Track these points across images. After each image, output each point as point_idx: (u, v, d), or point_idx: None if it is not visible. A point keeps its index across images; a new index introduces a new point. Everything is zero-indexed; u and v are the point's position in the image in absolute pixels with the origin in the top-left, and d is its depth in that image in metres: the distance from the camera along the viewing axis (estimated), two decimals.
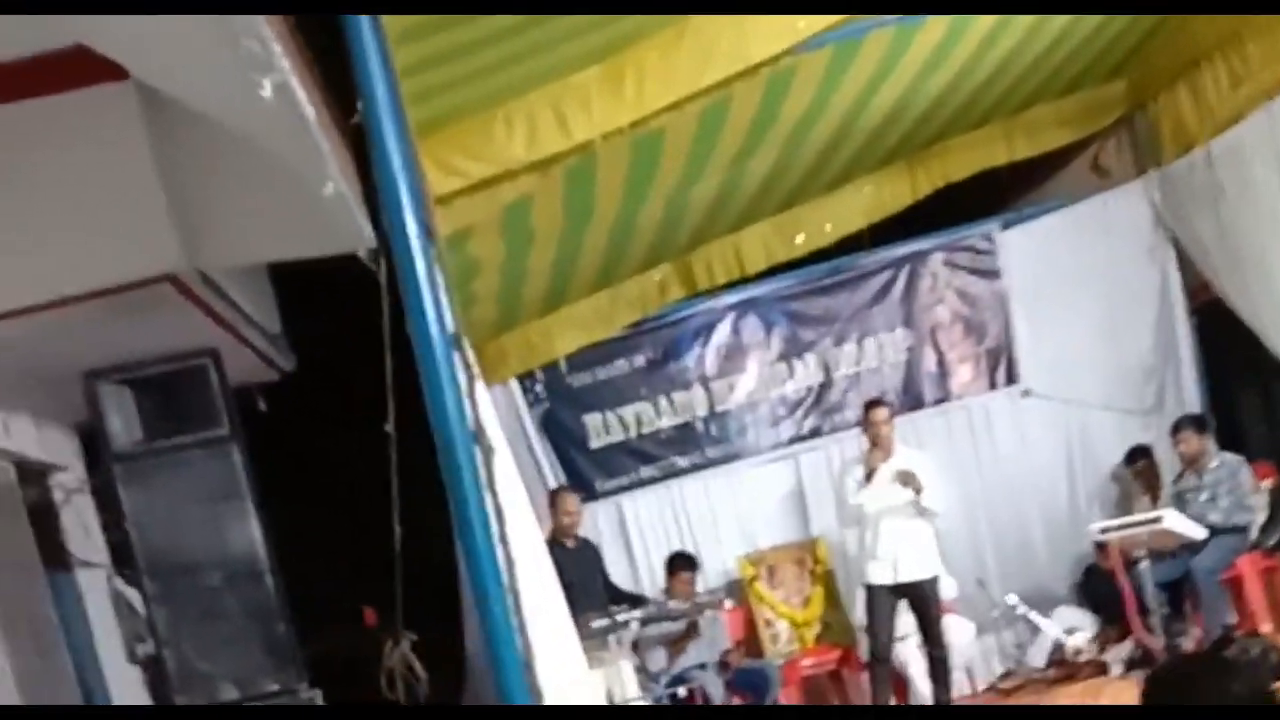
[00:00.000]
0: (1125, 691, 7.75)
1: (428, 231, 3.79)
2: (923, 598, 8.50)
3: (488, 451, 3.80)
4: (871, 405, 8.83)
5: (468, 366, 3.83)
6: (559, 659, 4.76)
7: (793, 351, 10.21)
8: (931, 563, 8.56)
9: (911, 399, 10.15)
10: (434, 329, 3.73)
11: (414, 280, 3.72)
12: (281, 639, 6.08)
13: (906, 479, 8.38)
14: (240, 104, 3.67)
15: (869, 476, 8.50)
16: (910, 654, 8.85)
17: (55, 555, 6.37)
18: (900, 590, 8.49)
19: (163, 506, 5.87)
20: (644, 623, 8.27)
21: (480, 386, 4.07)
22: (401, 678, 5.04)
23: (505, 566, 3.77)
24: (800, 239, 9.82)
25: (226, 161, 4.78)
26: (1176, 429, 9.18)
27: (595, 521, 9.65)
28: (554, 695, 4.16)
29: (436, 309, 3.75)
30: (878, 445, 8.51)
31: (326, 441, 8.40)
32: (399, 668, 5.26)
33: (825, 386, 10.23)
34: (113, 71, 4.35)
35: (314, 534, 8.00)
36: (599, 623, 7.93)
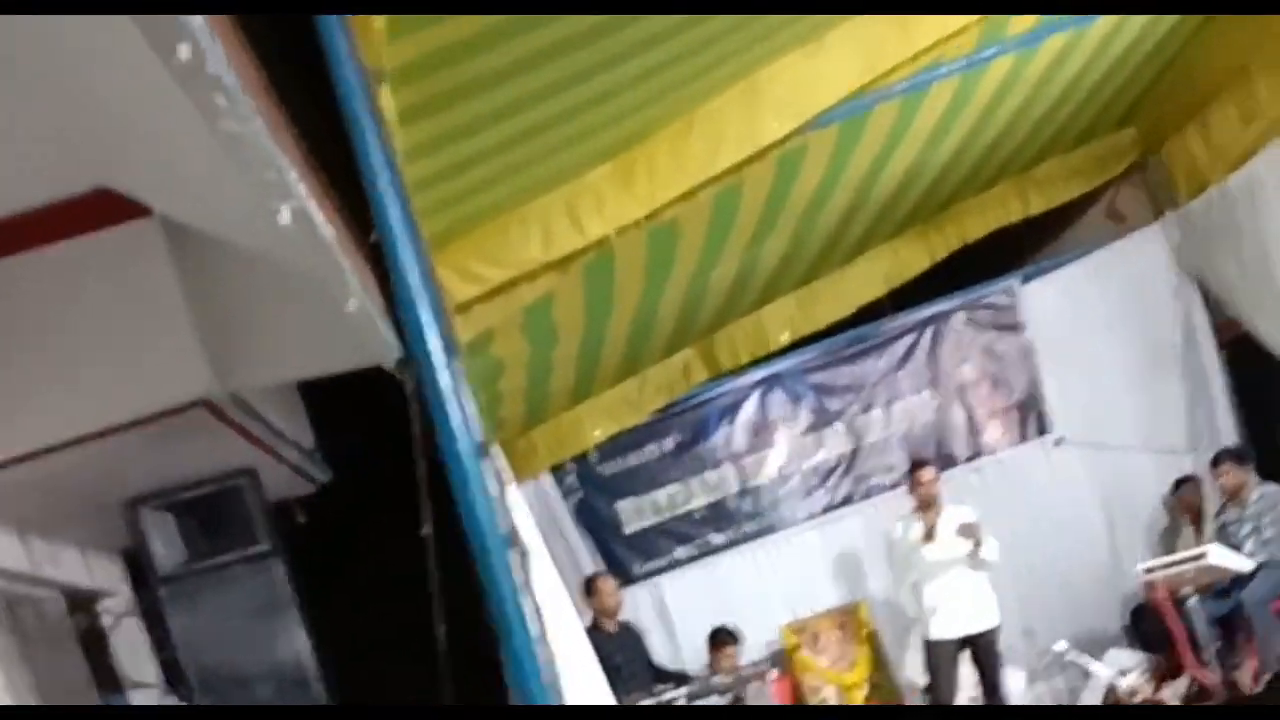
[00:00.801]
0: None
1: (449, 345, 3.88)
2: (986, 648, 8.53)
3: (523, 555, 3.86)
4: (916, 466, 8.86)
5: (497, 473, 3.89)
6: None
7: (821, 422, 10.24)
8: (994, 613, 8.59)
9: (944, 458, 10.09)
10: (462, 441, 3.80)
11: (439, 397, 3.80)
12: None
13: (969, 531, 8.38)
14: (261, 230, 3.75)
15: (929, 534, 8.53)
16: None
17: (107, 678, 6.43)
18: (965, 643, 8.51)
19: (210, 624, 5.95)
20: (690, 699, 8.23)
21: (512, 488, 4.13)
22: None
23: (546, 665, 3.82)
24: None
25: (252, 284, 4.87)
26: (1216, 462, 9.17)
27: (635, 605, 9.61)
28: None
29: (464, 421, 3.82)
30: (930, 505, 8.54)
31: (367, 547, 8.43)
32: None
33: (856, 453, 10.25)
34: (136, 209, 4.45)
35: (361, 638, 8.03)
36: (645, 703, 7.92)
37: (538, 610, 3.88)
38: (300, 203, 3.59)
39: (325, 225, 3.98)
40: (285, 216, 3.52)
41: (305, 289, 4.57)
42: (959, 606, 8.48)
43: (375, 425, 5.58)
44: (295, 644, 6.12)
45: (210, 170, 3.32)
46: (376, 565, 8.03)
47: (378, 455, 6.09)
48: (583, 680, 5.04)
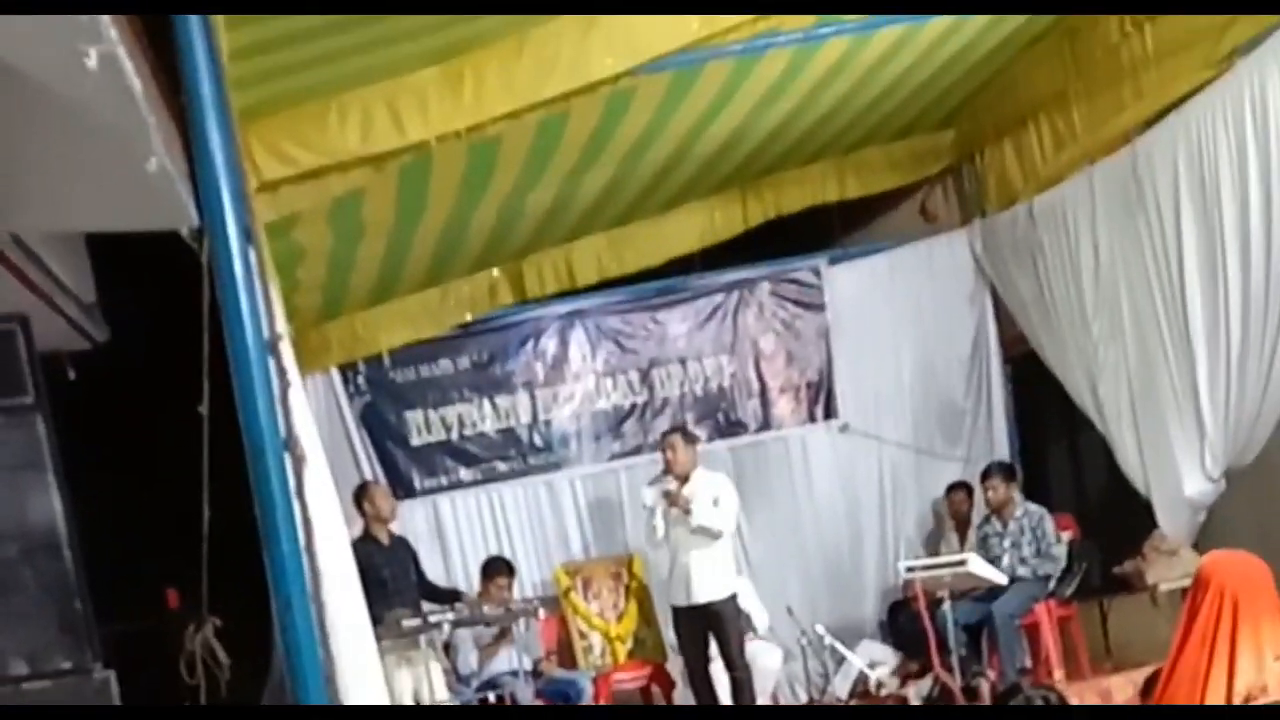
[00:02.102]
0: None
1: (248, 234, 3.83)
2: (717, 618, 8.42)
3: (299, 460, 3.82)
4: (666, 433, 8.90)
5: (283, 372, 3.85)
6: (361, 669, 4.79)
7: (618, 367, 10.29)
8: (725, 583, 8.50)
9: (732, 426, 10.29)
10: (250, 332, 3.74)
11: (231, 282, 3.75)
12: (78, 616, 5.96)
13: (671, 499, 8.40)
14: (65, 72, 3.67)
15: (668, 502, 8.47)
16: (715, 676, 8.71)
17: None
18: (697, 611, 8.45)
19: None
20: (456, 625, 8.22)
21: (296, 389, 4.08)
22: (203, 663, 5.00)
23: (310, 577, 3.81)
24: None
25: (48, 126, 4.72)
26: (986, 475, 9.26)
27: (412, 519, 9.59)
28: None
29: (254, 311, 3.78)
30: (670, 471, 8.52)
31: (139, 417, 8.25)
32: (201, 652, 5.22)
33: (648, 405, 10.33)
34: None
35: (120, 511, 7.85)
36: (411, 622, 7.87)
37: (307, 518, 3.85)
38: (110, 48, 3.53)
39: (134, 77, 3.91)
40: (93, 60, 3.45)
41: (107, 140, 4.47)
42: (688, 576, 8.43)
43: (165, 293, 5.49)
44: (48, 506, 5.86)
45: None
46: (148, 436, 7.88)
47: (162, 323, 5.97)
48: (345, 592, 4.99)
